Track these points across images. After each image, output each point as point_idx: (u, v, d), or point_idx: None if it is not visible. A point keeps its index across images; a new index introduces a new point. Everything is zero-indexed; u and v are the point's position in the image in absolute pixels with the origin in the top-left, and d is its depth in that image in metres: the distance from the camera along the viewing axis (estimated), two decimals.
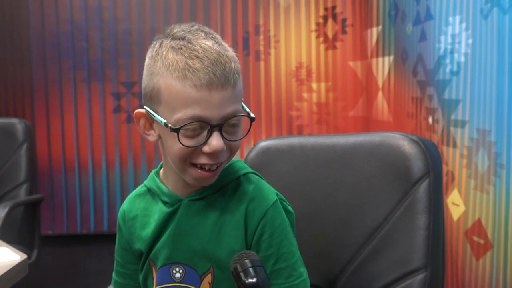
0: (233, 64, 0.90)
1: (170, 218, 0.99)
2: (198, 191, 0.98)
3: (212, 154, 0.90)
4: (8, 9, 3.94)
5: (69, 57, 3.96)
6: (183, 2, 3.94)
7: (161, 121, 0.91)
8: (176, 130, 0.89)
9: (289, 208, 1.00)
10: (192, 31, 0.92)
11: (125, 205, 1.06)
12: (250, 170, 1.02)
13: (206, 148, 0.90)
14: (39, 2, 3.93)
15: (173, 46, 0.91)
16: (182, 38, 0.91)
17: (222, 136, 0.90)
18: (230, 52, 0.92)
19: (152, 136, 0.96)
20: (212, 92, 0.88)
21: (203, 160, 0.91)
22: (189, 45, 0.90)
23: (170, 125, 0.89)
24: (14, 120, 2.55)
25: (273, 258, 0.95)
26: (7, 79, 3.97)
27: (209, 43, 0.90)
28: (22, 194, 2.44)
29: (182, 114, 0.88)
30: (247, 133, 0.95)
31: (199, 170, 0.92)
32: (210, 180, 0.95)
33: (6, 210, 2.17)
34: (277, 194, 0.98)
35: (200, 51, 0.89)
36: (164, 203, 1.00)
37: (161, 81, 0.90)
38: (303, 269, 0.97)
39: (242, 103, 0.95)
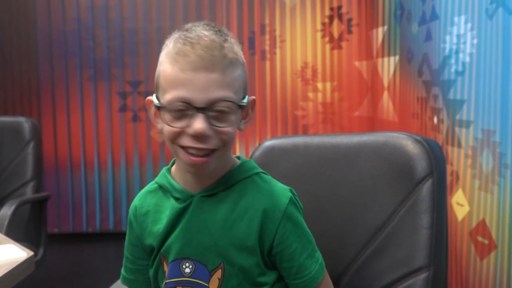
0: (226, 52, 0.93)
1: (182, 214, 1.01)
2: (209, 187, 1.00)
3: (196, 137, 0.92)
4: (15, 8, 3.96)
5: (76, 56, 3.98)
6: (189, 1, 3.95)
7: (155, 102, 0.96)
8: (162, 108, 0.93)
9: (299, 201, 1.04)
10: (199, 25, 0.96)
11: (136, 201, 1.08)
12: (261, 170, 1.05)
13: (189, 130, 0.92)
14: (46, 1, 3.95)
15: (176, 37, 0.96)
16: (186, 30, 0.96)
17: (208, 121, 0.91)
18: (230, 43, 0.95)
19: (159, 124, 0.99)
20: (198, 75, 0.90)
21: (187, 142, 0.93)
22: (188, 34, 0.94)
23: (158, 104, 0.94)
24: (21, 119, 2.56)
25: (298, 251, 0.99)
26: (14, 78, 3.99)
27: (207, 32, 0.94)
28: (28, 192, 2.45)
29: (170, 96, 0.92)
30: (239, 123, 0.97)
31: (187, 154, 0.94)
32: (202, 168, 0.95)
33: (13, 208, 2.18)
34: (290, 190, 1.02)
35: (195, 38, 0.92)
36: (176, 199, 1.02)
37: (161, 68, 0.96)
38: (318, 253, 1.02)
39: (247, 97, 0.97)
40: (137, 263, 1.09)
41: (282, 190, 1.01)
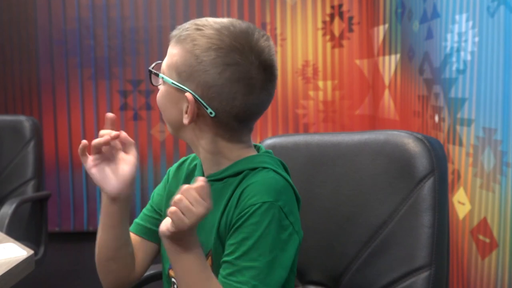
0: (191, 32, 0.96)
1: None
2: (218, 171, 1.01)
3: None
4: (16, 7, 3.96)
5: (76, 55, 3.97)
6: (189, 0, 3.95)
7: None
8: None
9: (286, 223, 0.93)
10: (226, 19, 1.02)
11: (187, 159, 1.12)
12: (278, 169, 0.99)
13: None
14: (47, 0, 3.94)
15: None
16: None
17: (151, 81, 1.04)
18: (209, 34, 0.95)
19: None
20: None
21: None
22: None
23: None
24: (22, 118, 2.57)
25: (229, 249, 0.92)
26: (14, 77, 3.98)
27: (220, 20, 0.99)
28: (29, 191, 2.45)
29: None
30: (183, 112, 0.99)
31: None
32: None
33: (13, 206, 2.18)
34: (276, 200, 0.93)
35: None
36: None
37: None
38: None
39: (181, 85, 0.97)
40: (155, 211, 1.12)
41: (267, 192, 0.92)
